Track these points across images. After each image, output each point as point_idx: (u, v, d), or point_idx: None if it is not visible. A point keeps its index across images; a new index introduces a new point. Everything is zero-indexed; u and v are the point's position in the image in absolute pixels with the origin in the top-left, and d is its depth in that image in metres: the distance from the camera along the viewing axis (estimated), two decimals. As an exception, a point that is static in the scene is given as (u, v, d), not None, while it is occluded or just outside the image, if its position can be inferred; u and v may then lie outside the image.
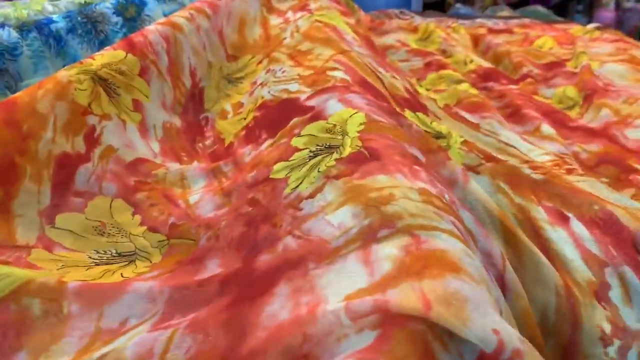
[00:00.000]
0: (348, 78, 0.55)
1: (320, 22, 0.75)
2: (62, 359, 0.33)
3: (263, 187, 0.43)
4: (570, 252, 0.41)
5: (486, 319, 0.26)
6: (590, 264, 0.40)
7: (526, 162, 0.52)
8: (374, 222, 0.33)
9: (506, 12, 1.60)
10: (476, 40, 1.09)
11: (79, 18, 0.70)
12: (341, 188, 0.37)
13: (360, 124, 0.44)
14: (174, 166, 0.54)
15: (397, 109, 0.53)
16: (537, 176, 0.48)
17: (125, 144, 0.54)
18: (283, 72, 0.63)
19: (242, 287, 0.34)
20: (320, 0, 0.91)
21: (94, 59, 0.56)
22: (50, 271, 0.39)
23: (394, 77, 0.65)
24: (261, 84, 0.65)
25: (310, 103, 0.52)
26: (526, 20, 1.33)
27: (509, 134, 0.58)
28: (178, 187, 0.52)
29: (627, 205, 0.45)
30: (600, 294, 0.39)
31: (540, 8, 1.66)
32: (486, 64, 0.89)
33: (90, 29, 0.71)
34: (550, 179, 0.47)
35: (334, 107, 0.48)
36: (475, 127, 0.60)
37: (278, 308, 0.30)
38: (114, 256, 0.43)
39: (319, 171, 0.40)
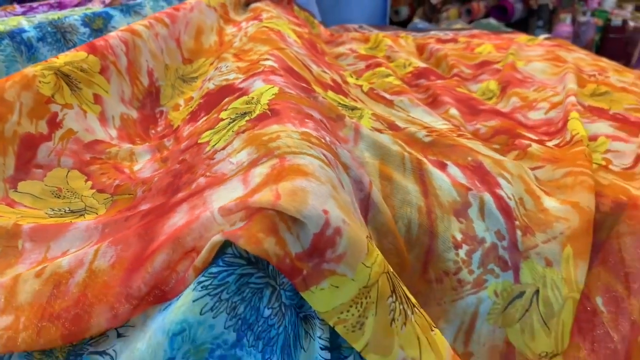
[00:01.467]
0: (276, 65, 0.64)
1: (266, 27, 0.85)
2: (13, 273, 0.41)
3: (191, 150, 0.52)
4: (442, 182, 0.50)
5: (321, 205, 0.35)
6: (458, 189, 0.50)
7: (425, 128, 0.61)
8: (259, 154, 0.42)
9: (459, 25, 1.72)
10: (421, 48, 1.20)
11: (49, 28, 0.80)
12: (244, 138, 0.46)
13: (273, 94, 0.53)
14: (126, 145, 0.63)
15: (316, 89, 0.62)
16: (427, 138, 0.58)
17: (85, 129, 0.63)
18: (227, 67, 0.72)
19: (158, 213, 0.42)
20: (273, 12, 1.02)
21: (57, 58, 0.65)
22: (9, 219, 0.47)
23: (324, 71, 0.75)
24: (209, 79, 0.75)
25: (241, 85, 0.61)
26: (475, 31, 1.44)
27: (417, 110, 0.67)
28: (127, 161, 0.61)
29: (495, 157, 0.55)
30: (461, 211, 0.48)
31: (492, 21, 1.78)
32: (422, 65, 0.99)
33: (60, 38, 0.81)
34: (438, 140, 0.57)
35: (257, 85, 0.58)
36: (390, 104, 0.70)
37: (177, 219, 0.39)
38: (67, 212, 0.52)
39: (232, 131, 0.49)
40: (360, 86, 0.76)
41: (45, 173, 0.56)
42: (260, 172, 0.39)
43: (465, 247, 0.47)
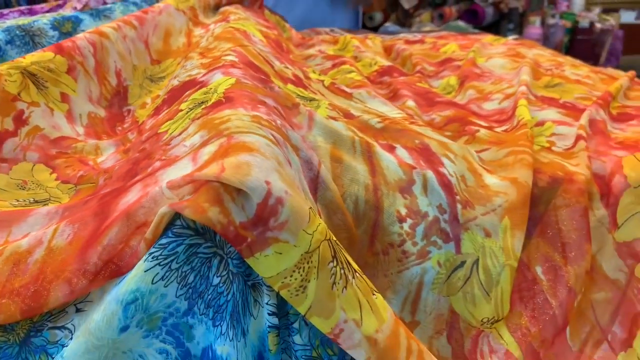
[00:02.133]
0: (236, 60, 0.67)
1: (232, 27, 0.88)
2: None
3: (151, 140, 0.55)
4: (389, 161, 0.53)
5: (264, 177, 0.37)
6: (403, 168, 0.53)
7: (379, 116, 0.64)
8: (210, 135, 0.44)
9: (429, 27, 1.76)
10: (389, 49, 1.23)
11: (17, 32, 0.82)
12: (198, 123, 0.49)
13: (229, 84, 0.56)
14: (92, 141, 0.66)
15: (275, 81, 0.65)
16: (379, 125, 0.61)
17: (51, 126, 0.65)
18: (191, 64, 0.75)
19: (114, 194, 0.44)
20: (241, 14, 1.04)
21: (24, 58, 0.67)
22: None
23: (286, 67, 0.78)
24: (174, 77, 0.77)
25: (202, 79, 0.64)
26: (443, 33, 1.48)
27: (374, 101, 0.71)
28: (92, 155, 0.63)
29: (441, 139, 0.58)
30: (405, 188, 0.51)
31: (460, 23, 1.83)
32: (387, 64, 1.03)
33: (29, 41, 0.82)
34: (389, 126, 0.60)
35: (216, 78, 0.60)
36: (348, 96, 0.73)
37: (130, 197, 0.41)
38: (31, 202, 0.54)
39: (189, 119, 0.52)
40: (322, 81, 0.79)
41: (11, 167, 0.58)
42: (209, 150, 0.42)
43: (409, 221, 0.50)
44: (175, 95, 0.66)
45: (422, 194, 0.51)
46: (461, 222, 0.51)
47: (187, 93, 0.62)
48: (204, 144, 0.44)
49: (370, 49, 1.19)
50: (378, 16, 2.17)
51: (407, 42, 1.37)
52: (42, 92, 0.66)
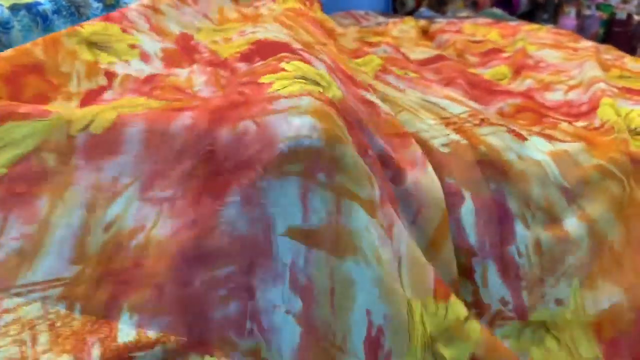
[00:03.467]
0: (332, 64, 0.63)
1: (288, 9, 0.85)
2: (77, 210, 0.41)
3: (251, 86, 0.51)
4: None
5: None
6: (464, 253, 0.50)
7: (443, 118, 0.61)
8: (320, 149, 0.41)
9: (465, 13, 1.72)
10: (425, 32, 1.20)
11: (64, 2, 0.79)
12: (315, 104, 0.44)
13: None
14: (181, 72, 0.64)
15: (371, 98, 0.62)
16: (445, 149, 0.56)
17: (135, 70, 0.64)
18: (272, 27, 0.72)
19: (206, 160, 0.42)
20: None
21: (83, 27, 0.66)
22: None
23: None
24: (252, 31, 0.73)
25: (300, 52, 0.60)
26: (480, 20, 1.44)
27: (431, 96, 0.67)
28: (185, 82, 0.61)
29: (523, 155, 0.55)
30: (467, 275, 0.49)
31: (496, 10, 1.78)
32: (433, 52, 0.99)
33: (74, 12, 0.80)
34: (454, 152, 0.55)
35: (322, 67, 0.57)
36: (401, 91, 0.69)
37: (234, 216, 0.39)
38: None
39: (301, 86, 0.48)
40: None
41: (109, 102, 0.57)
42: (320, 207, 0.40)
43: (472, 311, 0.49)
44: (266, 49, 0.63)
45: (483, 286, 0.49)
46: (528, 306, 0.49)
47: (283, 54, 0.58)
48: (312, 169, 0.41)
49: (407, 34, 1.15)
50: (410, 2, 2.12)
51: (445, 31, 1.32)
52: (111, 53, 0.65)
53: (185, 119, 0.44)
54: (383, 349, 0.38)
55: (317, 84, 0.50)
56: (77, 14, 0.81)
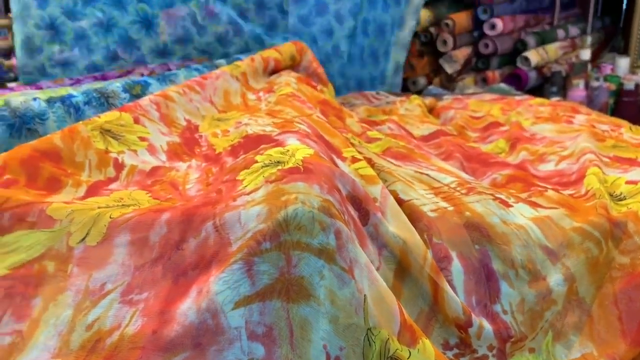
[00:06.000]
0: (309, 131, 0.71)
1: (283, 94, 0.93)
2: (65, 311, 0.46)
3: (228, 184, 0.58)
4: (452, 300, 0.54)
5: None
6: (464, 310, 0.54)
7: (433, 188, 0.65)
8: (263, 230, 0.47)
9: (472, 89, 1.79)
10: (435, 111, 1.26)
11: (94, 94, 0.88)
12: (268, 189, 0.51)
13: (308, 154, 0.59)
14: (181, 165, 0.71)
15: (346, 155, 0.69)
16: (433, 214, 0.61)
17: (141, 162, 0.71)
18: (262, 120, 0.80)
19: (176, 266, 0.48)
20: (281, 80, 1.10)
21: (99, 117, 0.74)
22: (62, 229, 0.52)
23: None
24: (245, 124, 0.81)
25: (277, 137, 0.68)
26: (486, 96, 1.51)
27: (425, 169, 0.72)
28: (181, 179, 0.67)
29: (507, 220, 0.59)
30: (462, 326, 0.54)
31: (503, 85, 1.86)
32: (435, 128, 1.05)
33: (103, 102, 0.89)
34: (442, 216, 0.60)
35: (292, 142, 0.64)
36: (398, 166, 0.74)
37: (186, 308, 0.44)
38: (119, 205, 0.57)
39: (263, 176, 0.55)
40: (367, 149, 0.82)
41: (112, 192, 0.63)
42: (266, 270, 0.45)
43: (455, 350, 0.52)
44: (250, 143, 0.70)
45: (476, 338, 0.53)
46: (507, 352, 0.52)
47: (262, 146, 0.66)
48: (255, 246, 0.46)
49: (412, 112, 1.22)
50: (422, 81, 2.23)
51: (449, 107, 1.39)
52: (121, 142, 0.73)
53: (162, 226, 0.51)
54: None
55: (279, 162, 0.57)
56: (106, 104, 0.90)
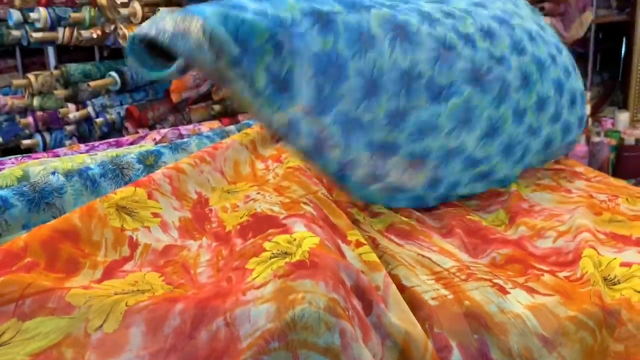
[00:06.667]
0: (315, 213, 0.74)
1: (290, 167, 0.97)
2: None
3: (237, 272, 0.61)
4: None
5: None
6: None
7: (434, 273, 0.68)
8: (271, 330, 0.49)
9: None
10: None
11: (110, 166, 0.93)
12: (277, 285, 0.54)
13: (314, 244, 0.62)
14: (192, 244, 0.74)
15: (351, 239, 0.72)
16: (433, 302, 0.63)
17: (155, 240, 0.75)
18: (270, 197, 0.83)
19: (188, 356, 0.50)
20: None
21: (115, 194, 0.78)
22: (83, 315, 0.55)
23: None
24: (253, 199, 0.85)
25: (285, 222, 0.71)
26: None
27: (426, 251, 0.75)
28: (192, 259, 0.70)
29: (504, 308, 0.62)
30: None
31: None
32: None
33: (118, 174, 0.93)
34: (442, 305, 0.62)
35: (299, 228, 0.67)
36: (401, 246, 0.77)
37: None
38: (134, 291, 0.60)
39: (271, 269, 0.57)
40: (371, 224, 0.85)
41: (126, 275, 0.65)
42: None
43: None
44: (259, 223, 0.73)
45: None
46: None
47: (270, 231, 0.69)
48: (264, 345, 0.49)
49: None
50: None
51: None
52: (135, 219, 0.77)
53: (176, 317, 0.54)
54: None
55: (286, 254, 0.60)
56: (121, 175, 0.94)
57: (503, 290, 0.64)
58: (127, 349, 0.52)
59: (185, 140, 1.11)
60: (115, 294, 0.57)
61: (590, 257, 0.70)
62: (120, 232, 0.72)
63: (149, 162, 1.00)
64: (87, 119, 2.17)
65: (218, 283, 0.60)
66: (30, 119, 2.19)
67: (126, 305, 0.55)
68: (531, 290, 0.65)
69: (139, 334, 0.53)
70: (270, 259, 0.60)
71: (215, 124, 1.38)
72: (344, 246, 0.69)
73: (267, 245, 0.64)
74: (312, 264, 0.57)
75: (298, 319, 0.49)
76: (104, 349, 0.52)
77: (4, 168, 1.03)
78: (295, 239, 0.64)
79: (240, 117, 1.92)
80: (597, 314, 0.61)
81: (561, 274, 0.71)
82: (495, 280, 0.67)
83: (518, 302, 0.62)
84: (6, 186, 0.90)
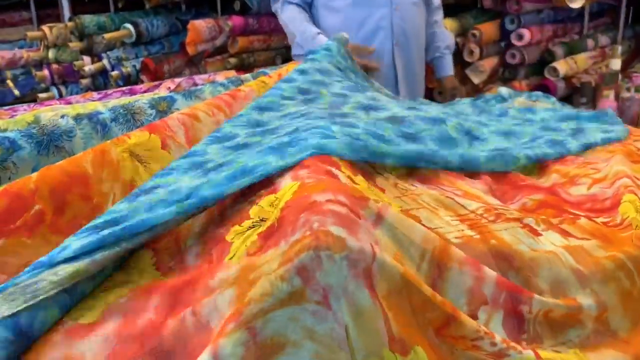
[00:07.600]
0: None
1: None
2: None
3: (217, 248, 0.57)
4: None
5: None
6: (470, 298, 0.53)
7: (459, 215, 0.64)
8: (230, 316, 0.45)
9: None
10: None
11: (121, 110, 0.89)
12: (242, 264, 0.50)
13: (292, 193, 0.56)
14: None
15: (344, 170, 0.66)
16: (457, 241, 0.58)
17: None
18: None
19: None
20: None
21: (129, 137, 0.74)
22: None
23: None
24: None
25: (276, 180, 0.64)
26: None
27: (450, 194, 0.70)
28: (186, 228, 0.66)
29: (536, 248, 0.57)
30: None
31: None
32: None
33: (130, 119, 0.90)
34: (466, 243, 0.58)
35: (286, 182, 0.61)
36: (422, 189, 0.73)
37: None
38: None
39: (245, 246, 0.53)
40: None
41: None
42: (233, 352, 0.43)
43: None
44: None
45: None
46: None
47: (261, 192, 0.63)
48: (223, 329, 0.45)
49: None
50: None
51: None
52: (147, 169, 0.74)
53: (150, 310, 0.52)
54: None
55: (263, 220, 0.56)
56: (132, 120, 0.90)
57: (534, 232, 0.60)
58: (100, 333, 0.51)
59: (199, 87, 1.07)
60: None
61: (631, 202, 0.66)
62: (130, 188, 0.69)
63: (162, 107, 0.97)
64: (103, 72, 2.13)
65: (200, 266, 0.57)
66: (46, 72, 2.16)
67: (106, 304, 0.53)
68: (566, 234, 0.61)
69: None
70: (247, 229, 0.56)
71: (231, 73, 1.33)
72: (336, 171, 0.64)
73: (252, 211, 0.59)
74: (280, 221, 0.52)
75: (254, 295, 0.45)
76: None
77: (16, 115, 1.01)
78: (276, 198, 0.58)
79: (256, 70, 1.86)
80: (638, 258, 0.57)
81: (599, 220, 0.66)
82: (526, 221, 0.62)
83: (552, 243, 0.58)
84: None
